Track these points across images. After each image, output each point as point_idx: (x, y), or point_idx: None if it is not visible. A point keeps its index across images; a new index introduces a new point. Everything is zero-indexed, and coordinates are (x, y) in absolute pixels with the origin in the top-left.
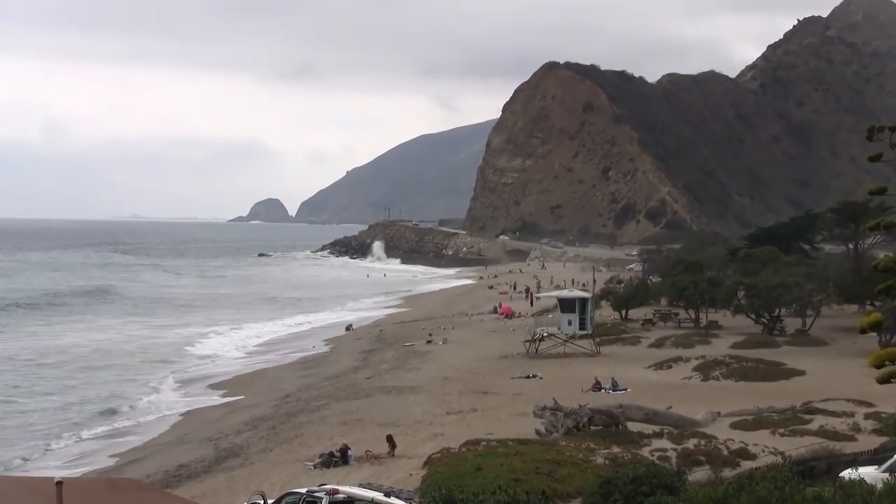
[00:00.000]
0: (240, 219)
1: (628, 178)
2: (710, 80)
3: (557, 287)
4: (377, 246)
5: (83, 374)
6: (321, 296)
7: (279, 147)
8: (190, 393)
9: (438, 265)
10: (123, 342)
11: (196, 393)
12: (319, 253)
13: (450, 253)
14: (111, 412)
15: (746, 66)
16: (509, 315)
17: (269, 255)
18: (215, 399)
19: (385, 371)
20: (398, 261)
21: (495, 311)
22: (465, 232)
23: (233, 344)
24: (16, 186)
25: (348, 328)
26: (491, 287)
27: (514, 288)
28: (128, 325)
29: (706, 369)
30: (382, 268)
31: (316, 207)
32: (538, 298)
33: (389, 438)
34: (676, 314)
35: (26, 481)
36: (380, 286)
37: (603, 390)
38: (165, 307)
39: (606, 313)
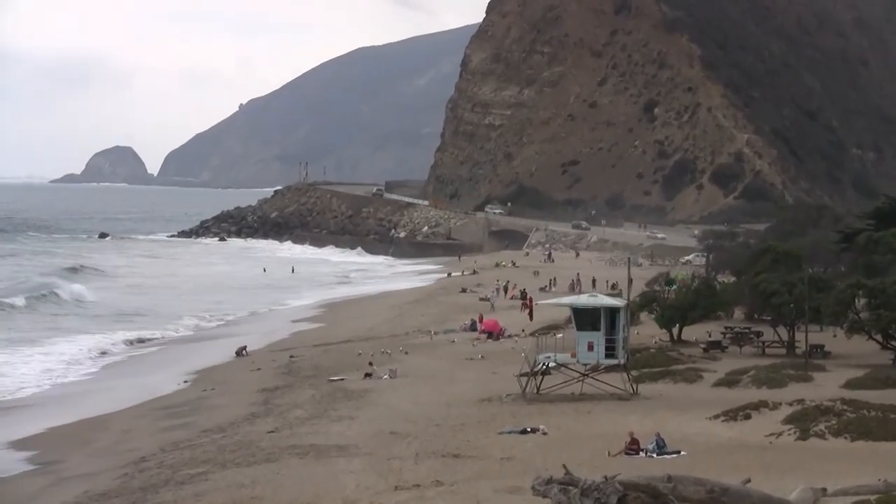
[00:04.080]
0: (71, 178)
1: (685, 120)
2: None
3: (572, 289)
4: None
5: None
6: (187, 299)
7: (132, 66)
8: None
9: (384, 253)
10: None
11: None
12: (200, 237)
13: (402, 235)
14: None
15: None
16: (495, 334)
17: (115, 237)
18: (19, 465)
19: (298, 421)
20: (329, 246)
21: (473, 327)
22: (426, 202)
23: (34, 374)
24: None
25: (240, 353)
26: (466, 290)
27: (505, 291)
28: None
29: (805, 421)
30: (289, 257)
31: (191, 161)
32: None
33: None
34: (759, 334)
35: None
36: (285, 287)
37: (643, 453)
38: None
39: (649, 331)
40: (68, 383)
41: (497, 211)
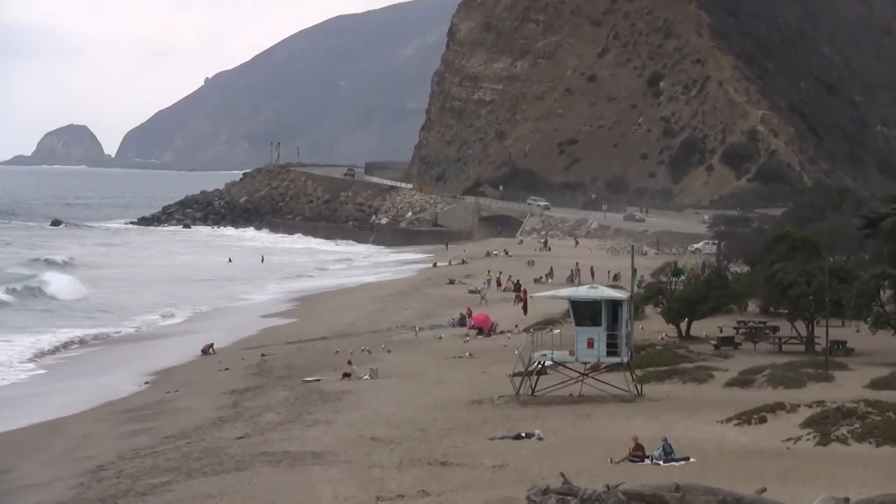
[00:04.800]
0: (20, 160)
1: (693, 95)
2: None
3: (570, 280)
4: None
5: None
6: (146, 291)
7: (88, 37)
8: None
9: (364, 241)
10: None
11: None
12: (162, 225)
13: (384, 221)
14: None
15: None
16: (486, 329)
17: (69, 225)
18: None
19: (271, 426)
20: (303, 234)
21: (462, 322)
22: (410, 185)
23: None
24: None
25: (207, 351)
26: (454, 281)
27: (498, 283)
28: None
29: (826, 424)
30: (260, 246)
31: (152, 141)
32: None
33: None
34: (775, 329)
35: None
36: (255, 279)
37: (648, 460)
38: None
39: (655, 327)
40: (18, 384)
41: (486, 195)
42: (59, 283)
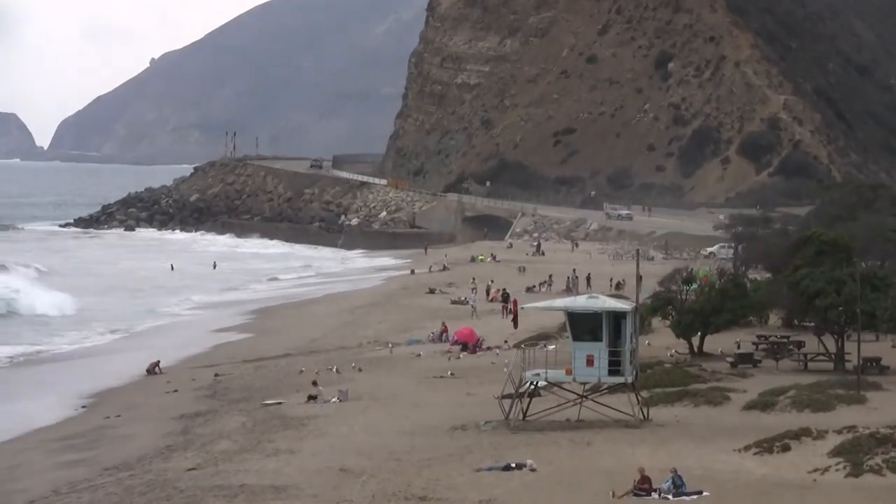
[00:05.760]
0: None
1: (707, 78)
2: None
3: (568, 289)
4: None
5: None
6: (80, 303)
7: (18, 13)
8: None
9: (332, 244)
10: None
11: None
12: (101, 227)
13: (354, 222)
14: None
15: None
16: (471, 345)
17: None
18: None
19: (226, 455)
20: (255, 236)
21: (442, 337)
22: (384, 181)
23: None
24: None
25: (152, 370)
26: (434, 290)
27: (487, 293)
28: None
29: (857, 453)
30: (212, 251)
31: (90, 131)
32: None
33: None
34: (800, 345)
35: None
36: (206, 289)
37: (655, 494)
38: None
39: (663, 342)
40: None
41: (471, 192)
42: None
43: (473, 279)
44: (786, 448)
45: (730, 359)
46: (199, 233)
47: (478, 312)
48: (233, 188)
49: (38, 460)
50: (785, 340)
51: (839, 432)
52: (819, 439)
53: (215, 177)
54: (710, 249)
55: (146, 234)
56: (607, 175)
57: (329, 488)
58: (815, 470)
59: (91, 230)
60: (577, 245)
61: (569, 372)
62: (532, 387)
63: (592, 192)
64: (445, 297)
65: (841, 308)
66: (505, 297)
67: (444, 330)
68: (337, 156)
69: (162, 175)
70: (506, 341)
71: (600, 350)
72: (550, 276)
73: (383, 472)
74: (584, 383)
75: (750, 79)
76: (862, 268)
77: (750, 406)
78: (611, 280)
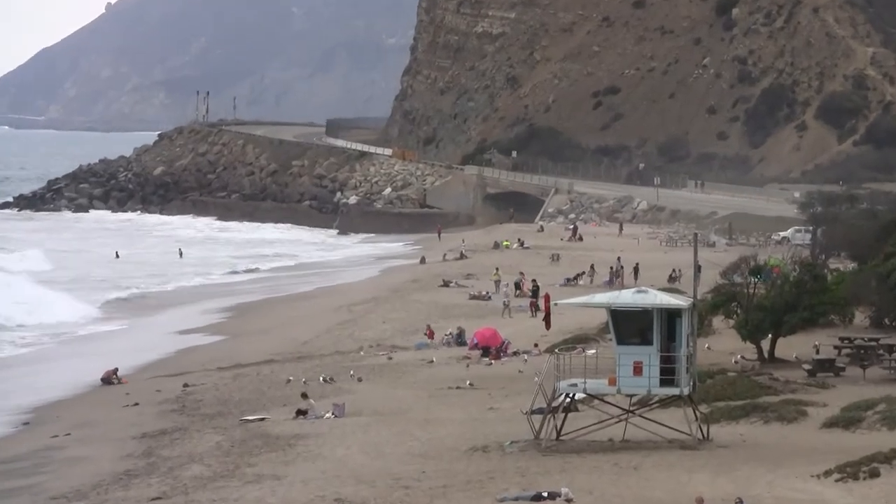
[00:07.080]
0: None
1: (779, 28)
2: None
3: (611, 281)
4: None
5: None
6: (14, 299)
7: None
8: None
9: (325, 226)
10: None
11: None
12: (45, 207)
13: (352, 201)
14: None
15: None
16: (494, 350)
17: None
18: None
19: (197, 482)
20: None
21: (459, 339)
22: (388, 152)
23: None
24: None
25: (109, 379)
26: (450, 283)
27: (517, 287)
28: None
29: None
30: (179, 235)
31: (33, 91)
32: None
33: None
34: (891, 349)
35: None
36: (170, 280)
37: None
38: None
39: (726, 345)
40: None
41: (493, 165)
42: None
43: (497, 270)
44: (874, 473)
45: (807, 366)
46: (164, 214)
47: (510, 310)
48: (205, 159)
49: None
50: (874, 344)
51: None
52: None
53: (184, 146)
54: (782, 234)
55: (100, 215)
56: (658, 144)
57: None
58: None
59: (32, 211)
60: (622, 228)
61: (612, 382)
62: (568, 400)
63: (641, 165)
64: (463, 292)
65: None
66: (535, 292)
67: (461, 332)
68: (331, 120)
69: (120, 144)
70: (536, 345)
71: (650, 356)
72: (592, 267)
73: (388, 503)
74: (631, 396)
75: (830, 28)
76: None
77: (831, 423)
78: (671, 270)
